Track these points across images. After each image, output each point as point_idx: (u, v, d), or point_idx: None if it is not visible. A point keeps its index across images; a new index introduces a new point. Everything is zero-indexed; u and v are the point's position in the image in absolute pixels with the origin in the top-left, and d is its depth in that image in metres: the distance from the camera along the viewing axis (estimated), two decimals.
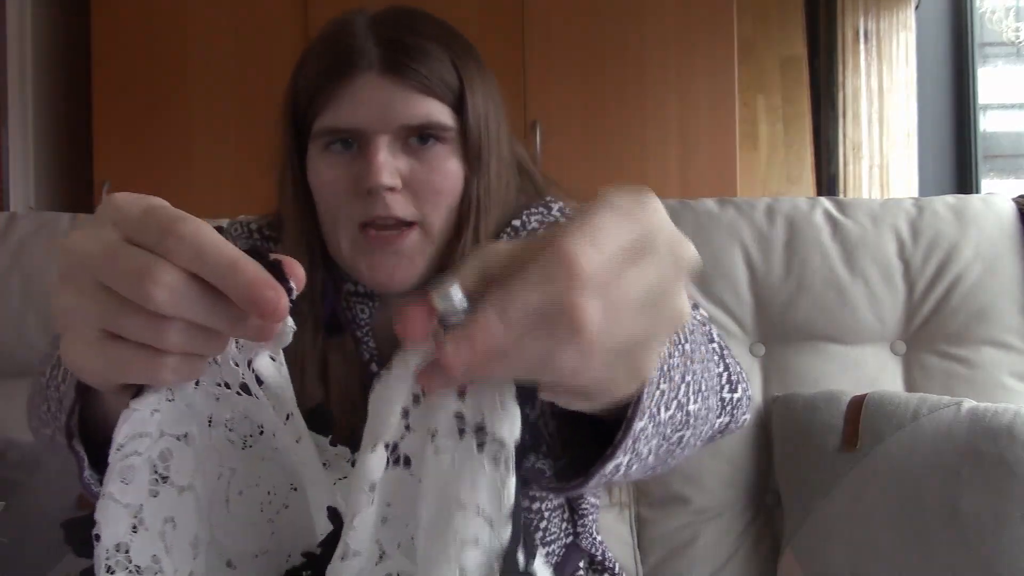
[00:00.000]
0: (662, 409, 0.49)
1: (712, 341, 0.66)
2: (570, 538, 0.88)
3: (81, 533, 0.41)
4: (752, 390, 1.22)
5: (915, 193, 3.05)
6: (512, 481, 0.37)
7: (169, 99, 2.67)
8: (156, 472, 0.41)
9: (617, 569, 0.94)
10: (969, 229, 1.25)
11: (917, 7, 3.11)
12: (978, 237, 1.25)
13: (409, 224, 0.78)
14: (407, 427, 0.40)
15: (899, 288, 1.24)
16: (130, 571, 0.40)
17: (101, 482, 0.45)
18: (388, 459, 0.40)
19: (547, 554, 0.84)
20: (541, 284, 0.34)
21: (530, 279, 0.34)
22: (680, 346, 0.52)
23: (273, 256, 0.38)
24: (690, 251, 0.38)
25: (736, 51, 2.66)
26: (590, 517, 0.89)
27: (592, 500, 0.90)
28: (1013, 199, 1.29)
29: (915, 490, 1.05)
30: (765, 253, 1.26)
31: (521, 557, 0.37)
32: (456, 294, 0.35)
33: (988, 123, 3.36)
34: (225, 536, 0.46)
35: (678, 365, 0.51)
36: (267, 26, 2.67)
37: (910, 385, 1.24)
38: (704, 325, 0.64)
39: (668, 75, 2.66)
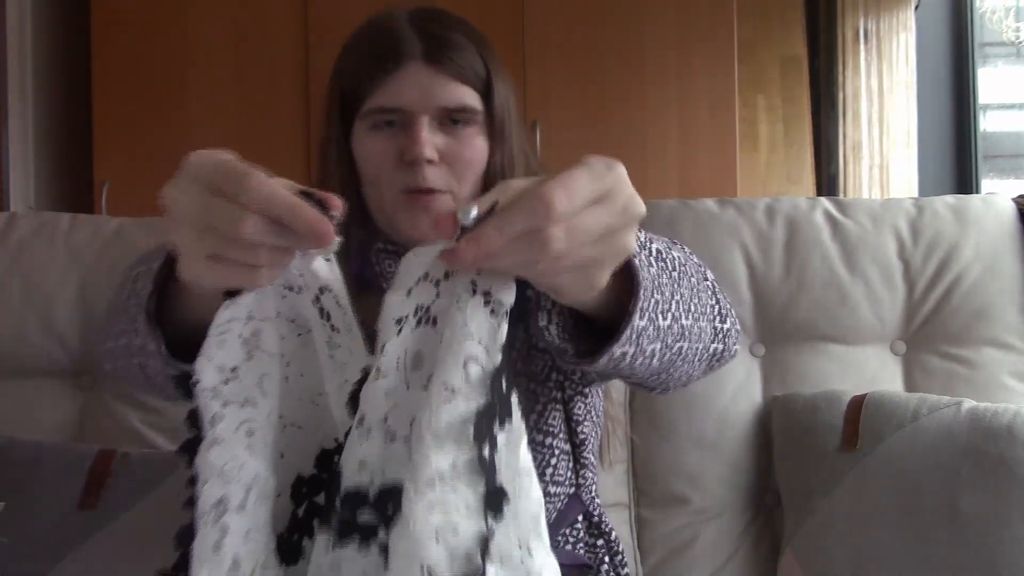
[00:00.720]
0: (659, 317, 0.65)
1: (706, 279, 0.78)
2: (573, 488, 0.96)
3: (185, 382, 0.59)
4: (752, 390, 1.23)
5: (915, 193, 3.05)
6: (504, 328, 0.52)
7: (169, 99, 2.67)
8: (248, 344, 0.57)
9: (613, 536, 0.99)
10: (969, 229, 1.25)
11: (917, 7, 3.11)
12: (978, 237, 1.25)
13: (443, 192, 0.91)
14: (437, 294, 0.54)
15: (899, 288, 1.24)
16: (222, 403, 0.55)
17: (172, 357, 0.66)
18: (420, 318, 0.54)
19: (552, 496, 0.94)
20: (527, 215, 0.48)
21: (521, 210, 0.48)
22: (669, 272, 0.68)
23: (318, 194, 0.52)
24: (640, 206, 0.52)
25: (736, 51, 2.66)
26: (590, 472, 0.98)
27: (591, 458, 0.98)
28: (1013, 199, 1.29)
29: (915, 490, 1.05)
30: (765, 253, 1.26)
31: (504, 382, 0.51)
32: (472, 211, 0.50)
33: (988, 123, 3.36)
34: (284, 405, 0.59)
35: (667, 284, 0.67)
36: (267, 26, 2.67)
37: (910, 385, 1.24)
38: (700, 266, 0.79)
39: (668, 75, 2.66)
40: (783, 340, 1.26)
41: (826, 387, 1.20)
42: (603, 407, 1.06)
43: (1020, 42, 3.16)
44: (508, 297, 0.52)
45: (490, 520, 0.50)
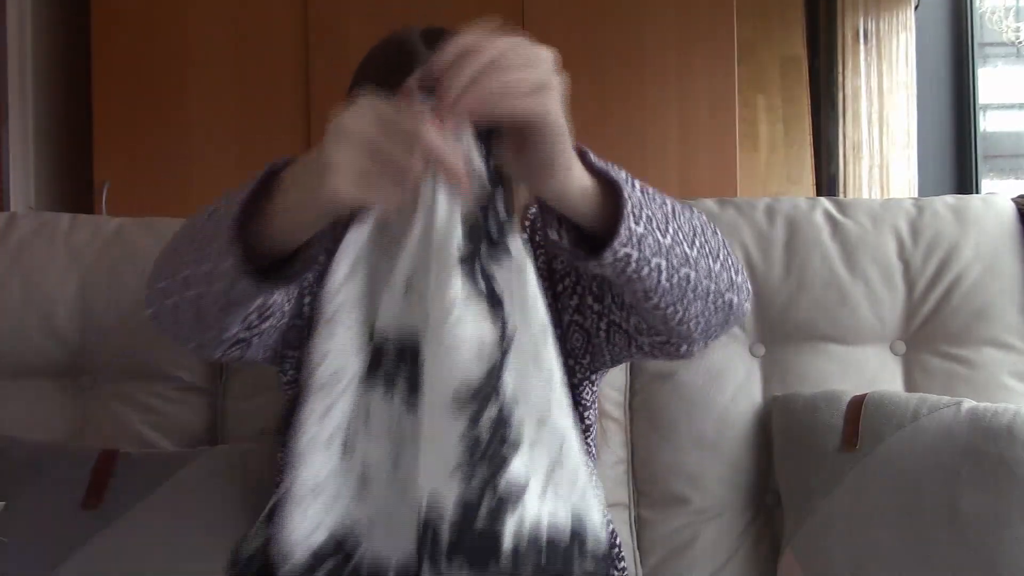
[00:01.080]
0: (657, 231, 0.71)
1: (716, 233, 0.83)
2: None
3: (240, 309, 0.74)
4: (752, 390, 1.23)
5: (915, 193, 3.05)
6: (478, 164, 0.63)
7: (169, 99, 2.66)
8: (350, 265, 0.66)
9: (611, 528, 1.00)
10: (969, 229, 1.25)
11: (917, 7, 3.11)
12: (978, 237, 1.25)
13: None
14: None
15: (899, 288, 1.24)
16: (340, 304, 0.65)
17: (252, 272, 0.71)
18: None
19: None
20: (451, 45, 0.61)
21: (448, 45, 0.62)
22: (659, 204, 0.74)
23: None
24: (539, 49, 0.66)
25: (736, 51, 2.66)
26: (591, 460, 1.00)
27: (592, 446, 1.01)
28: (1013, 199, 1.29)
29: (915, 490, 1.05)
30: (765, 253, 1.26)
31: (491, 227, 0.63)
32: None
33: (988, 123, 3.36)
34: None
35: (659, 209, 0.73)
36: (267, 26, 2.66)
37: (910, 385, 1.24)
38: (710, 224, 0.83)
39: (668, 75, 2.65)
40: (783, 340, 1.26)
41: (826, 387, 1.20)
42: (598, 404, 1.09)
43: (1020, 42, 3.17)
44: (476, 159, 0.63)
45: (500, 329, 0.61)
